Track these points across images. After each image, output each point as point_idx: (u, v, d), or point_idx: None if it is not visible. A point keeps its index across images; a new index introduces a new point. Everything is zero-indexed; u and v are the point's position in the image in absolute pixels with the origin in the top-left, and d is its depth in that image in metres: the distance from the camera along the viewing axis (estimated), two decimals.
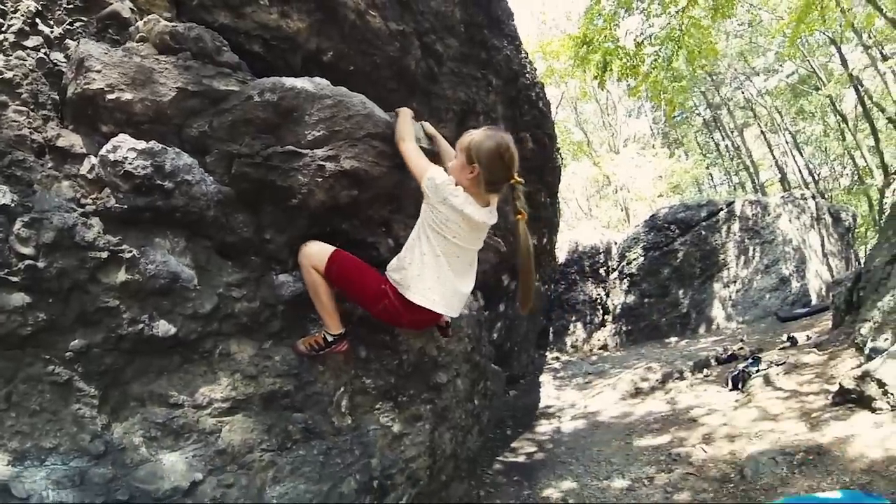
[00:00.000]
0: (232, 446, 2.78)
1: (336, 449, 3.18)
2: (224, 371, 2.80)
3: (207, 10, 3.09)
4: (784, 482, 4.15)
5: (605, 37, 12.01)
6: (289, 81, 2.81)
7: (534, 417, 7.89)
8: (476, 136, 2.79)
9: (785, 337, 9.12)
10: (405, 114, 3.11)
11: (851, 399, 4.99)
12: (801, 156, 28.98)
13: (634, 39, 12.66)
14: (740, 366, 7.62)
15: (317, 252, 2.90)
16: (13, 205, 2.26)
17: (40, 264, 2.27)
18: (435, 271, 2.81)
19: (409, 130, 2.99)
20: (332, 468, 3.12)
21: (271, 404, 2.96)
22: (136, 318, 2.50)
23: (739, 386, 7.00)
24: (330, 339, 2.99)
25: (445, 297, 2.89)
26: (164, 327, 2.56)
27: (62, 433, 2.40)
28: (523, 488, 5.35)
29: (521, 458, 6.27)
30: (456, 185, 2.75)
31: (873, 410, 4.69)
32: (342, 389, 3.28)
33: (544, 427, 7.43)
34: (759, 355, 8.17)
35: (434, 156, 3.22)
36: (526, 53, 6.40)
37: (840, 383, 5.23)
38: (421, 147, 3.20)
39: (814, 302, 12.78)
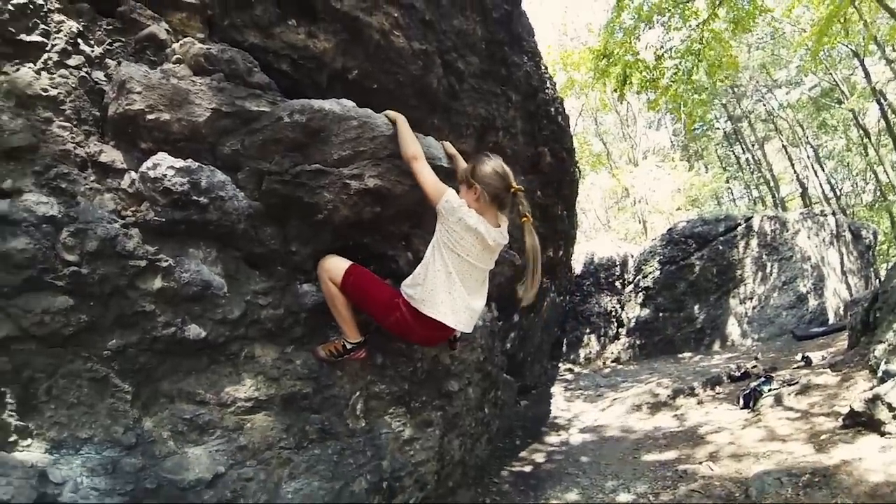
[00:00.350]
0: (252, 443, 2.96)
1: (349, 450, 3.35)
2: (248, 373, 2.97)
3: (238, 30, 3.25)
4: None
5: (625, 49, 12.06)
6: (317, 103, 2.96)
7: (543, 428, 7.94)
8: (469, 164, 3.14)
9: (800, 356, 9.00)
10: (403, 123, 3.17)
11: (861, 422, 4.93)
12: (823, 170, 28.47)
13: (654, 52, 12.68)
14: (752, 384, 7.52)
15: (334, 266, 3.08)
16: (60, 215, 2.43)
17: (84, 270, 2.45)
18: (447, 287, 2.95)
19: (418, 147, 3.08)
20: (345, 468, 3.29)
21: (291, 405, 3.13)
22: (169, 322, 2.68)
23: (751, 404, 6.93)
24: (349, 346, 3.16)
25: (457, 313, 3.01)
26: (194, 331, 2.74)
27: (97, 425, 2.58)
28: (529, 498, 5.41)
29: (529, 468, 6.31)
30: (469, 207, 2.94)
31: (882, 434, 4.64)
32: (358, 393, 3.45)
33: (553, 438, 7.47)
34: (772, 374, 8.05)
35: (452, 175, 3.38)
36: (546, 68, 6.49)
37: (850, 406, 5.17)
38: (441, 166, 3.36)
39: (831, 321, 12.64)
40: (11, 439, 2.41)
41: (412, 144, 3.06)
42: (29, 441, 2.45)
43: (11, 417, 2.41)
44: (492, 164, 3.05)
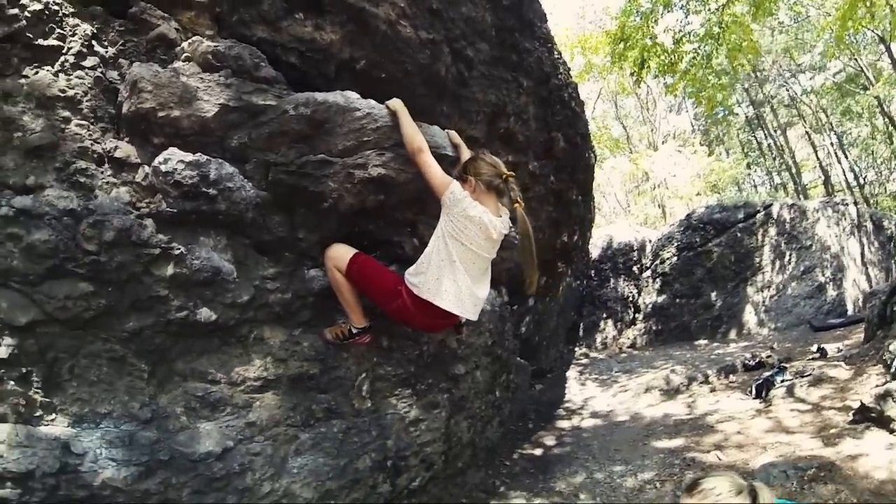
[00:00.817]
0: (261, 420, 3.12)
1: (355, 429, 3.50)
2: (257, 354, 3.11)
3: (246, 25, 3.34)
4: (792, 496, 4.17)
5: (643, 33, 11.92)
6: (321, 96, 3.06)
7: (557, 412, 8.03)
8: (462, 162, 3.34)
9: (815, 347, 9.01)
10: (404, 114, 3.22)
11: (871, 418, 4.96)
12: (847, 158, 28.03)
13: (673, 36, 12.52)
14: (765, 374, 7.55)
15: (339, 255, 3.20)
16: (79, 209, 2.59)
17: (102, 259, 2.62)
18: (452, 276, 3.05)
19: (421, 138, 3.15)
20: (350, 446, 3.44)
21: (298, 385, 3.28)
22: (182, 306, 2.84)
23: (762, 395, 6.97)
24: (355, 330, 3.28)
25: (462, 301, 3.10)
26: (206, 314, 2.89)
27: (116, 401, 2.76)
28: (538, 481, 5.53)
29: (540, 451, 6.44)
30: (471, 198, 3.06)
31: (891, 431, 4.67)
32: (364, 375, 3.58)
33: (566, 422, 7.58)
34: (786, 365, 8.08)
35: (456, 163, 3.48)
36: (559, 54, 6.45)
37: (861, 401, 5.20)
38: (445, 154, 3.45)
39: (850, 312, 12.56)
40: (37, 414, 2.60)
41: (416, 136, 3.12)
42: (53, 416, 2.64)
43: (37, 394, 2.60)
44: (477, 155, 3.29)
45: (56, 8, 2.68)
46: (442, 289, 3.04)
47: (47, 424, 2.61)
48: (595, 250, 13.17)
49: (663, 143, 27.01)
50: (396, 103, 3.26)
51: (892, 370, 5.69)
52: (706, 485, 2.07)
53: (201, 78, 2.86)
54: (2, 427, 2.50)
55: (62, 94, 2.69)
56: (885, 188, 29.11)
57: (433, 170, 3.08)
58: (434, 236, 3.12)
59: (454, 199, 2.99)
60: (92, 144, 2.76)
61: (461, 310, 3.13)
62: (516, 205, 3.18)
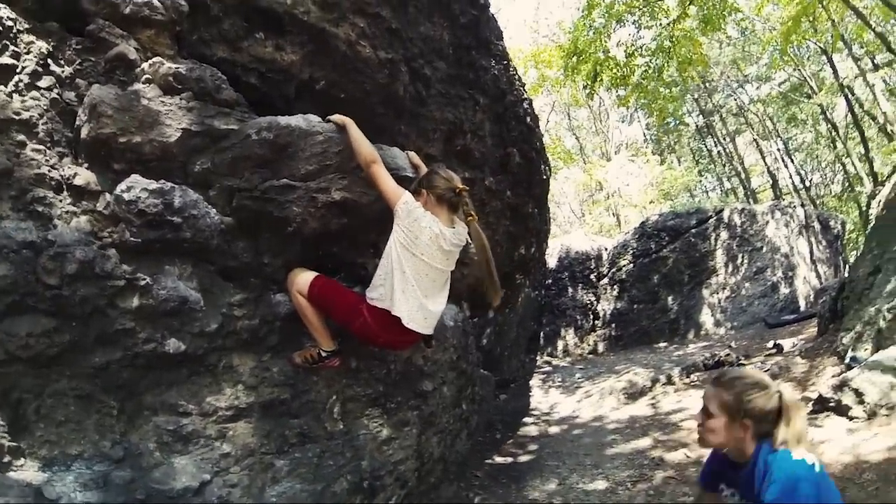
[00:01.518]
0: (235, 450, 3.05)
1: (329, 452, 3.45)
2: (227, 382, 3.05)
3: (207, 44, 3.31)
4: None
5: (596, 47, 12.15)
6: (283, 120, 3.04)
7: (523, 420, 8.06)
8: (419, 177, 3.38)
9: (771, 343, 9.22)
10: (353, 127, 3.16)
11: (829, 407, 5.08)
12: (793, 162, 28.88)
13: (625, 50, 12.79)
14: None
15: (301, 279, 3.17)
16: (38, 240, 2.49)
17: (64, 293, 2.52)
18: (402, 286, 3.03)
19: (372, 150, 3.11)
20: (326, 469, 3.39)
21: (270, 411, 3.22)
22: (149, 338, 2.77)
23: None
24: (324, 354, 3.25)
25: (411, 313, 3.07)
26: (174, 345, 2.82)
27: (86, 441, 2.67)
28: (511, 490, 5.52)
29: (510, 461, 6.42)
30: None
31: (850, 419, 4.80)
32: (334, 397, 3.54)
33: (533, 430, 7.59)
34: (745, 362, 8.30)
35: (413, 183, 3.47)
36: (514, 70, 6.53)
37: (819, 392, 5.35)
38: (406, 176, 3.46)
39: (802, 308, 12.93)
40: (5, 460, 2.48)
41: (367, 149, 3.09)
42: (22, 460, 2.53)
43: (3, 438, 2.48)
44: (435, 170, 3.28)
45: (10, 24, 2.59)
46: (395, 297, 3.03)
47: (16, 470, 2.50)
48: (552, 260, 13.29)
49: (616, 153, 27.39)
50: (343, 117, 3.22)
51: (847, 361, 5.91)
52: (734, 373, 2.20)
53: (163, 101, 2.83)
54: None
55: (17, 117, 2.60)
56: (830, 189, 29.98)
57: (385, 181, 3.07)
58: (387, 247, 3.11)
59: (406, 210, 3.00)
60: (49, 171, 2.67)
61: (410, 321, 3.08)
62: (470, 218, 3.23)
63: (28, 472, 2.52)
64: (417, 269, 3.06)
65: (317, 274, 3.21)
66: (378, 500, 3.73)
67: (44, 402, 2.60)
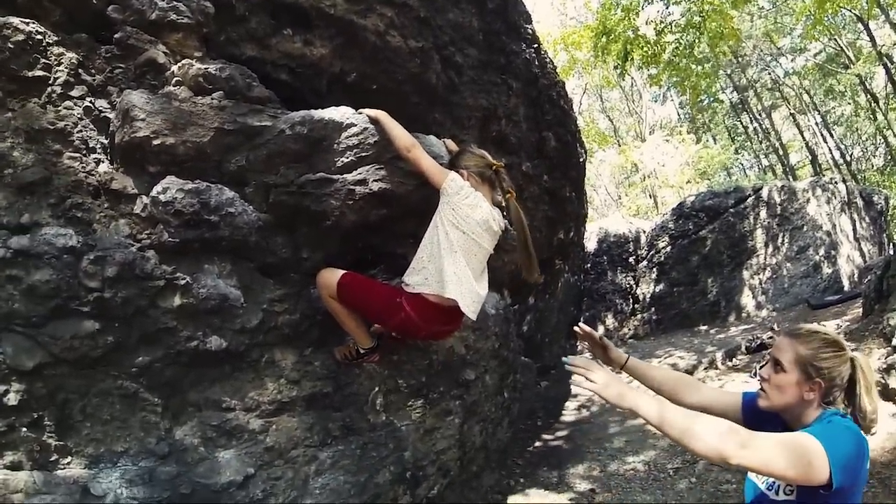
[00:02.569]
0: (278, 443, 3.07)
1: (372, 443, 3.46)
2: (270, 377, 3.07)
3: (235, 44, 3.32)
4: None
5: (625, 26, 11.95)
6: (317, 114, 3.03)
7: (564, 407, 8.03)
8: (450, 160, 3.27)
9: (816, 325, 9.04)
10: (387, 118, 3.10)
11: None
12: (832, 136, 28.22)
13: (655, 27, 12.56)
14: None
15: (328, 280, 3.06)
16: (79, 245, 2.55)
17: (106, 295, 2.57)
18: (453, 266, 2.91)
19: (409, 136, 3.06)
20: (369, 461, 3.40)
21: (313, 405, 3.24)
22: (191, 336, 2.80)
23: None
24: (362, 350, 3.20)
25: (463, 292, 2.93)
26: (216, 342, 2.85)
27: (131, 438, 2.72)
28: (552, 477, 5.53)
29: (551, 448, 6.43)
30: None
31: None
32: (377, 389, 3.54)
33: (574, 417, 7.58)
34: None
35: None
36: (545, 53, 6.48)
37: None
38: (443, 164, 3.42)
39: (846, 288, 12.61)
40: (53, 458, 2.55)
41: (403, 135, 3.04)
42: (69, 458, 2.59)
43: (51, 438, 2.55)
44: (467, 149, 3.26)
45: (39, 37, 2.63)
46: (445, 279, 2.89)
47: (64, 468, 2.56)
48: (590, 244, 13.20)
49: (650, 133, 27.01)
50: (374, 111, 3.15)
51: (893, 343, 5.67)
52: (812, 327, 1.94)
53: (194, 102, 2.82)
54: (18, 475, 2.44)
55: (51, 127, 2.64)
56: (872, 163, 29.28)
57: (427, 161, 3.01)
58: (431, 228, 3.01)
59: (455, 187, 2.93)
60: (86, 177, 2.71)
61: (463, 301, 2.94)
62: (508, 195, 3.15)
63: (75, 469, 2.58)
64: (469, 249, 2.98)
65: (343, 272, 3.09)
66: (420, 489, 3.74)
67: (89, 401, 2.64)
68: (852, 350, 1.88)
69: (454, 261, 2.92)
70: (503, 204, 3.24)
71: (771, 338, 8.83)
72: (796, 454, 1.59)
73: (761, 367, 1.99)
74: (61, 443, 2.57)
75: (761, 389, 1.95)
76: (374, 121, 3.14)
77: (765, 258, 12.64)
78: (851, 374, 1.83)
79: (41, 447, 2.53)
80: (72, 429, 2.61)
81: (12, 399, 2.45)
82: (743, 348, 8.85)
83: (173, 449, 2.78)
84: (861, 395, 1.81)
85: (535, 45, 5.99)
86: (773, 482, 1.84)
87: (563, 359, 1.97)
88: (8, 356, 2.45)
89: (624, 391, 1.77)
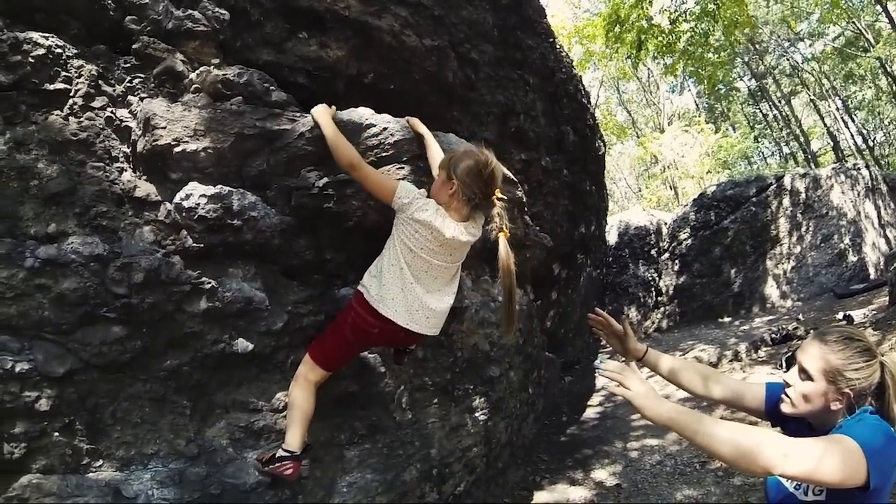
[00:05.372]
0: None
1: (398, 441, 3.48)
2: None
3: (251, 49, 3.35)
4: None
5: (639, 15, 11.86)
6: (336, 115, 3.02)
7: (589, 402, 8.01)
8: (456, 153, 2.80)
9: (841, 315, 8.89)
10: (330, 128, 2.85)
11: None
12: (854, 121, 27.84)
13: (669, 16, 12.46)
14: (794, 347, 7.41)
15: (302, 369, 2.84)
16: (105, 253, 2.59)
17: (133, 301, 2.61)
18: (399, 283, 2.72)
19: (352, 151, 2.80)
20: (396, 459, 3.42)
21: (339, 404, 3.25)
22: (217, 339, 2.83)
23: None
24: (282, 453, 2.74)
25: (410, 312, 2.75)
26: (242, 344, 2.88)
27: (161, 440, 2.75)
28: (577, 472, 5.52)
29: (576, 443, 6.42)
30: (427, 198, 2.75)
31: None
32: (402, 388, 3.56)
33: (599, 411, 7.56)
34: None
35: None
36: (561, 47, 6.48)
37: None
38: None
39: (872, 276, 12.43)
40: (84, 462, 2.59)
41: (347, 150, 2.79)
42: (100, 462, 2.63)
43: (82, 442, 2.59)
44: (477, 164, 2.71)
45: (59, 51, 2.69)
46: (389, 297, 2.71)
47: (95, 471, 2.60)
48: (611, 237, 13.13)
49: (669, 124, 26.78)
50: (320, 116, 2.92)
51: None
52: (844, 332, 1.82)
53: (214, 108, 2.86)
54: (51, 479, 2.49)
55: (74, 138, 2.69)
56: (895, 148, 28.82)
57: (375, 178, 2.78)
58: (388, 241, 2.82)
59: (402, 205, 2.68)
60: (110, 186, 2.76)
61: (409, 321, 2.74)
62: (500, 234, 2.78)
63: (106, 472, 2.62)
64: (416, 266, 2.74)
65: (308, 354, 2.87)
66: (447, 486, 3.76)
67: (119, 405, 2.68)
68: (882, 355, 1.80)
69: (402, 279, 2.73)
70: (491, 237, 2.94)
71: (796, 328, 8.73)
72: (839, 459, 1.54)
73: (786, 371, 1.92)
74: (92, 446, 2.61)
75: (785, 394, 1.87)
76: (315, 124, 2.94)
77: (788, 247, 12.49)
78: (881, 379, 1.75)
79: (73, 451, 2.57)
80: (102, 432, 2.65)
81: (44, 405, 2.49)
82: (768, 340, 8.74)
83: (202, 450, 2.81)
84: (891, 401, 1.75)
85: (551, 40, 5.99)
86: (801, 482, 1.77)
87: (596, 363, 1.90)
88: (39, 363, 2.49)
89: (661, 405, 1.72)
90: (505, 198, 2.89)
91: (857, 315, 8.58)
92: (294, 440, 2.72)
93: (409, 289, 2.74)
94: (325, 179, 3.01)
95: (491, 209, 2.81)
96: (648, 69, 24.97)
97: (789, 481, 1.83)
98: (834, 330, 1.84)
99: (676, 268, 12.84)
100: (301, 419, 2.76)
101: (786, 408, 1.86)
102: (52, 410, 2.51)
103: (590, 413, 7.57)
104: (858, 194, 13.97)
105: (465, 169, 2.69)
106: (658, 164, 25.31)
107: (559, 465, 5.79)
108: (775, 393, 1.98)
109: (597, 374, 9.12)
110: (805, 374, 1.79)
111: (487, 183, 2.72)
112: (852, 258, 12.69)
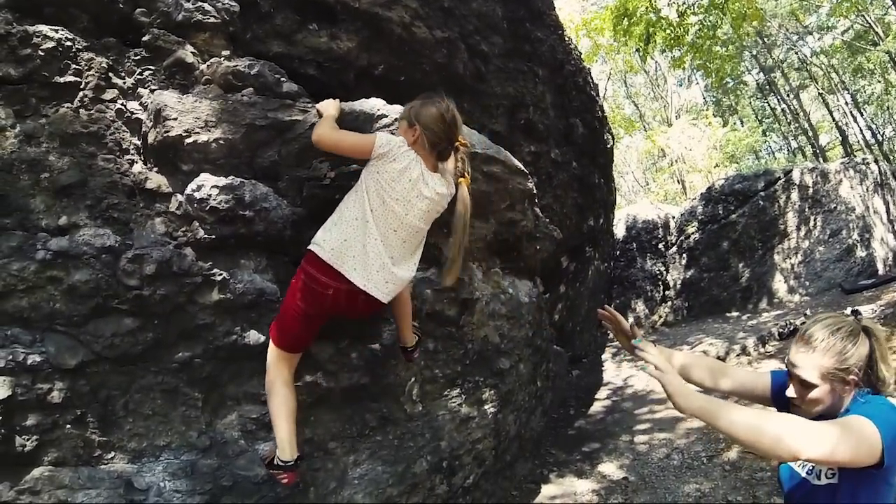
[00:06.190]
0: (317, 435, 3.10)
1: (409, 434, 3.48)
2: (308, 370, 3.05)
3: (261, 41, 3.35)
4: None
5: (647, 8, 11.79)
6: (346, 106, 3.04)
7: (596, 396, 8.00)
8: (415, 102, 2.70)
9: (849, 310, 8.71)
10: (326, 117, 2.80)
11: None
12: (863, 116, 27.65)
13: (677, 9, 12.39)
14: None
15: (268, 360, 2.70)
16: (117, 245, 2.59)
17: (145, 293, 2.61)
18: (362, 239, 2.53)
19: (324, 126, 2.71)
20: (406, 451, 3.42)
21: (350, 396, 3.25)
22: (229, 331, 2.83)
23: None
24: (278, 462, 2.65)
25: (369, 271, 2.55)
26: (254, 336, 2.87)
27: (173, 432, 2.75)
28: (585, 466, 5.51)
29: (583, 437, 6.40)
30: (408, 147, 2.61)
31: None
32: (413, 380, 3.55)
33: (606, 405, 7.54)
34: None
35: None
36: (570, 40, 6.47)
37: None
38: (476, 153, 3.32)
39: (880, 272, 12.35)
40: (96, 454, 2.60)
41: (319, 127, 2.70)
42: (112, 454, 2.64)
43: (94, 434, 2.59)
44: (439, 109, 2.62)
45: (69, 44, 2.70)
46: (348, 253, 2.52)
47: (107, 463, 2.61)
48: (619, 231, 13.07)
49: (677, 117, 26.66)
50: (325, 106, 2.89)
51: None
52: (820, 329, 1.80)
53: (224, 99, 2.86)
54: (63, 471, 2.50)
55: (85, 130, 2.71)
56: None
57: (350, 138, 2.67)
58: (350, 193, 2.66)
59: (381, 153, 2.53)
60: (121, 178, 2.77)
61: (366, 283, 2.55)
62: (461, 179, 2.69)
63: (118, 464, 2.63)
64: (387, 221, 2.57)
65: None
66: (456, 479, 3.76)
67: (131, 397, 2.69)
68: (860, 322, 1.85)
69: (365, 233, 2.54)
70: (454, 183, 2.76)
71: (803, 323, 8.62)
72: (857, 439, 1.56)
73: (786, 390, 1.91)
74: (104, 438, 2.62)
75: (794, 405, 1.86)
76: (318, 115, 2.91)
77: (796, 242, 12.41)
78: (871, 347, 1.79)
79: (85, 443, 2.58)
80: (115, 424, 2.65)
81: (56, 397, 2.50)
82: (776, 334, 8.69)
83: (214, 442, 2.81)
84: (878, 363, 1.78)
85: (559, 32, 5.98)
86: (814, 466, 1.80)
87: (635, 342, 1.99)
88: (51, 355, 2.50)
89: (691, 399, 1.76)
90: (467, 144, 2.82)
91: (866, 310, 8.51)
92: (284, 448, 2.61)
93: (373, 245, 2.54)
94: (337, 170, 3.00)
95: (455, 155, 2.71)
96: (656, 62, 24.83)
97: (801, 467, 1.85)
98: (813, 330, 1.83)
99: (684, 262, 12.79)
100: (284, 422, 2.62)
101: (796, 412, 1.82)
102: (64, 403, 2.53)
103: (597, 407, 7.55)
104: (867, 189, 13.86)
105: (428, 115, 2.61)
106: (666, 157, 25.20)
107: (567, 458, 5.78)
108: (779, 379, 2.01)
109: (603, 369, 9.17)
110: (805, 384, 1.79)
111: (451, 127, 2.64)
112: (861, 253, 12.60)
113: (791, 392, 1.85)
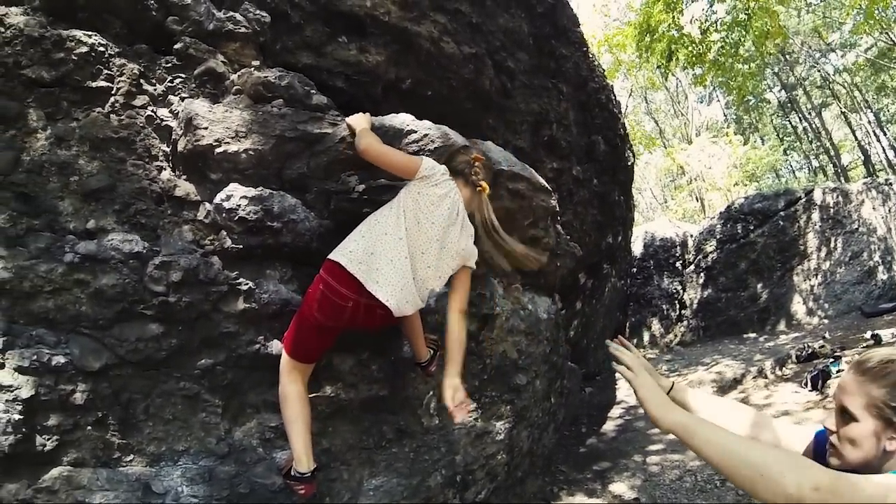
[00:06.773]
0: (335, 445, 3.11)
1: (425, 447, 3.48)
2: (327, 381, 3.08)
3: (291, 52, 3.38)
4: None
5: (669, 25, 11.79)
6: (377, 121, 3.06)
7: (609, 414, 7.95)
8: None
9: (869, 334, 8.64)
10: (364, 131, 2.84)
11: None
12: (886, 135, 27.40)
13: (699, 26, 12.36)
14: (820, 365, 7.32)
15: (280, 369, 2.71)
16: (144, 251, 2.64)
17: (171, 299, 2.65)
18: (390, 254, 2.55)
19: (369, 137, 2.79)
20: (421, 464, 3.42)
21: (369, 408, 3.26)
22: (252, 340, 2.85)
23: (819, 386, 6.74)
24: (295, 473, 2.66)
25: (393, 287, 2.54)
26: (276, 346, 2.88)
27: (192, 437, 2.78)
28: (596, 484, 5.47)
29: (595, 455, 6.36)
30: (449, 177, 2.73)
31: None
32: (431, 393, 3.55)
33: (618, 424, 7.48)
34: (840, 354, 7.85)
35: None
36: (593, 57, 6.48)
37: None
38: (502, 170, 3.35)
39: None
40: (115, 456, 2.63)
41: (365, 137, 2.77)
42: (131, 457, 2.66)
43: (114, 437, 2.62)
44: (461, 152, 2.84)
45: (102, 49, 2.74)
46: (373, 266, 2.52)
47: (126, 466, 2.64)
48: (636, 248, 13.03)
49: (697, 135, 26.54)
50: (356, 121, 2.93)
51: None
52: (884, 355, 1.47)
53: (255, 110, 2.88)
54: (82, 472, 2.53)
55: (115, 135, 2.75)
56: None
57: (396, 154, 2.73)
58: (382, 209, 2.69)
59: (429, 173, 2.64)
60: (149, 184, 2.80)
61: (388, 297, 2.53)
62: (479, 189, 2.78)
63: (137, 467, 2.66)
64: (418, 244, 2.60)
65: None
66: (469, 493, 3.75)
67: (152, 401, 2.72)
68: None
69: (396, 248, 2.56)
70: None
71: (822, 346, 8.56)
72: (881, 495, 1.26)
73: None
74: (124, 441, 2.65)
75: (830, 445, 1.54)
76: (350, 131, 2.94)
77: (816, 263, 12.29)
78: None
79: (104, 445, 2.61)
80: (135, 428, 2.68)
81: (79, 398, 2.54)
82: (793, 357, 8.60)
83: (233, 449, 2.83)
84: None
85: (584, 49, 5.98)
86: None
87: (608, 342, 1.82)
88: (75, 357, 2.54)
89: (668, 413, 1.53)
90: (482, 157, 2.94)
91: (886, 335, 8.40)
92: (301, 459, 2.61)
93: (401, 262, 2.55)
94: (366, 184, 3.02)
95: (470, 169, 2.83)
96: (677, 79, 24.81)
97: None
98: (870, 357, 1.51)
99: (701, 281, 12.70)
100: (299, 433, 2.62)
101: (833, 460, 1.52)
102: (86, 404, 2.56)
103: (610, 425, 7.50)
104: (889, 210, 13.70)
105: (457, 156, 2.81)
106: (685, 175, 25.11)
107: (577, 476, 5.74)
108: (820, 442, 1.65)
109: (617, 387, 9.11)
110: (847, 415, 1.48)
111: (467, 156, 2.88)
112: (882, 276, 12.46)
113: (830, 424, 1.55)
